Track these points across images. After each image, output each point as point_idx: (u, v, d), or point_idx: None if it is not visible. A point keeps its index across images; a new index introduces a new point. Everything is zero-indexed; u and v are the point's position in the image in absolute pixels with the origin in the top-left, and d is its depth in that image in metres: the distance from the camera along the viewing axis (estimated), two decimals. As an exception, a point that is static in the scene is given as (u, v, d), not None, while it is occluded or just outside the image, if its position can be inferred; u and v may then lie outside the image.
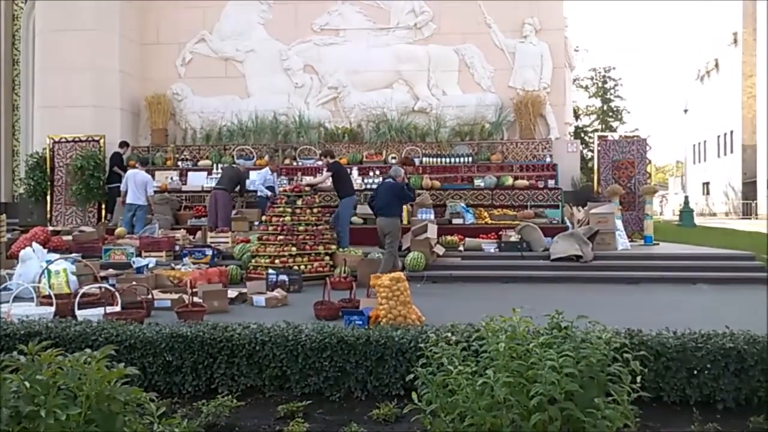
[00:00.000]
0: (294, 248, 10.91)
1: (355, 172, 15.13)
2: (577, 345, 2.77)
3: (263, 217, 11.99)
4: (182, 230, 13.25)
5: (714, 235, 18.74)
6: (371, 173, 15.33)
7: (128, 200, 13.50)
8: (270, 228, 11.17)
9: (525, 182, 14.49)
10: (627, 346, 2.96)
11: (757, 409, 3.98)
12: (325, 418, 4.04)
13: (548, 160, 15.19)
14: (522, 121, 15.86)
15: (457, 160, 15.40)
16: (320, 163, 14.11)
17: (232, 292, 9.16)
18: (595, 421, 2.58)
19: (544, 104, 16.05)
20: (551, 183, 14.56)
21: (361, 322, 6.80)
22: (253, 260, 11.08)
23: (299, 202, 11.34)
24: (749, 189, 42.96)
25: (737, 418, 3.94)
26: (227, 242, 12.30)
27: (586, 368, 2.72)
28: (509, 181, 14.48)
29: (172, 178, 15.41)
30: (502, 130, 16.12)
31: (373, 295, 7.76)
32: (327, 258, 11.18)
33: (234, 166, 14.44)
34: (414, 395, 2.98)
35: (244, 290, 9.37)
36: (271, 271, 10.27)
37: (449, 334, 2.98)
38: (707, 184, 50.29)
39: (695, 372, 4.11)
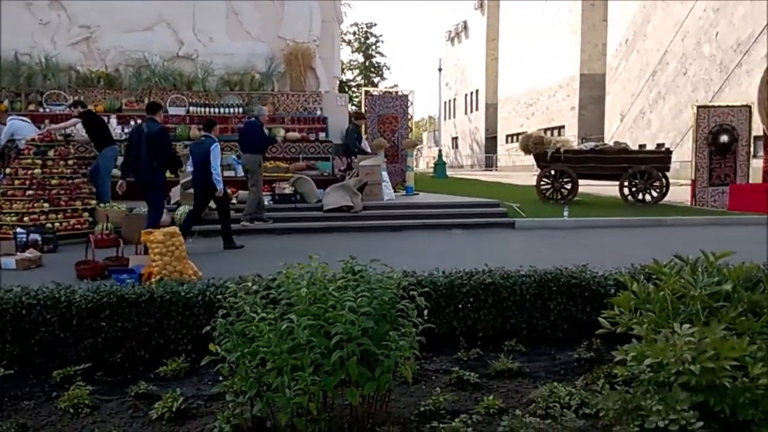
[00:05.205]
0: (46, 204, 9.95)
1: (113, 121, 14.02)
2: (371, 286, 2.95)
3: (7, 170, 10.60)
4: None
5: (464, 185, 20.75)
6: (132, 122, 14.31)
7: None
8: (16, 182, 9.96)
9: (296, 134, 14.64)
10: (415, 285, 3.22)
11: (510, 334, 4.58)
12: (107, 379, 3.82)
13: (319, 113, 15.47)
14: (292, 73, 15.89)
15: (227, 110, 15.01)
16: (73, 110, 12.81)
17: (-28, 255, 8.07)
18: (389, 352, 2.81)
19: (314, 57, 16.21)
20: (322, 136, 14.89)
21: (132, 281, 6.46)
22: (-4, 218, 9.82)
23: (51, 153, 10.25)
24: (491, 144, 48.00)
25: (494, 343, 4.51)
26: (-39, 199, 10.71)
27: (378, 307, 2.92)
28: (281, 133, 14.50)
29: None
30: (273, 81, 16.00)
31: (143, 251, 7.40)
32: (86, 214, 10.38)
33: None
34: (212, 346, 2.94)
35: (-12, 252, 8.31)
36: (19, 230, 9.26)
37: (249, 284, 2.98)
38: (456, 138, 55.09)
39: (460, 306, 4.59)
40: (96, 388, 3.62)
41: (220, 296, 3.17)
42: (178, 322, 4.11)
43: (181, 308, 4.11)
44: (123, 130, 14.09)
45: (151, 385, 3.60)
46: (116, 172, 12.40)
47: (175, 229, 7.31)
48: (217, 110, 14.90)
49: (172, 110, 14.83)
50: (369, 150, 14.15)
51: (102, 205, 10.69)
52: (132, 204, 11.00)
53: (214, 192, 9.25)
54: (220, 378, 3.14)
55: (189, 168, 10.84)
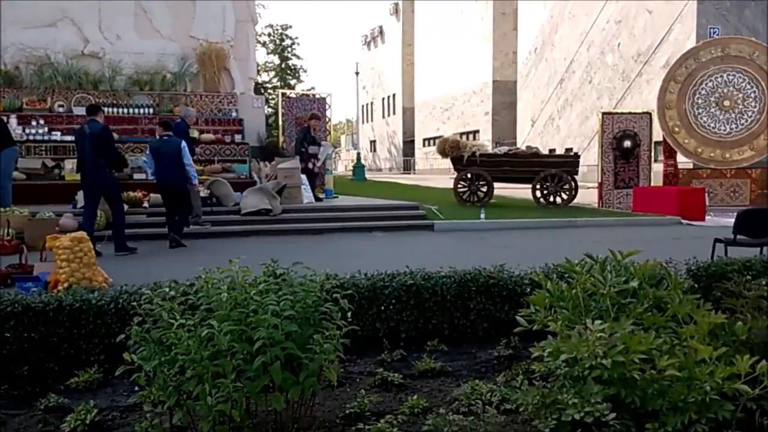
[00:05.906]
0: (-60, 209, 9.25)
1: (13, 121, 13.28)
2: (294, 290, 2.92)
3: None
4: None
5: (383, 188, 20.88)
6: (34, 122, 13.62)
7: None
8: None
9: (211, 136, 14.30)
10: (337, 287, 3.21)
11: (432, 334, 4.64)
12: (13, 393, 3.60)
13: (234, 114, 15.18)
14: (206, 74, 15.52)
15: (137, 111, 14.49)
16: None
17: None
18: (313, 356, 2.79)
19: (228, 57, 15.89)
20: (238, 138, 14.62)
21: (38, 289, 6.12)
22: None
23: (-57, 155, 9.59)
24: (408, 147, 48.59)
25: (417, 344, 4.56)
26: None
27: (302, 310, 2.89)
28: (195, 134, 14.10)
29: None
30: (186, 81, 15.57)
31: (49, 258, 7.03)
32: (-16, 219, 9.71)
33: None
34: (126, 355, 2.83)
35: None
36: None
37: (167, 290, 2.88)
38: (374, 142, 55.39)
39: (383, 308, 4.61)
40: (1, 403, 3.42)
41: (134, 303, 3.05)
42: (89, 331, 3.93)
43: (92, 317, 3.93)
44: (24, 130, 13.37)
45: (62, 398, 3.43)
46: (17, 174, 11.78)
47: (83, 234, 6.98)
48: (126, 110, 14.36)
49: (77, 110, 14.16)
50: (320, 153, 14.04)
51: (2, 209, 10.07)
52: (35, 208, 10.45)
53: (191, 187, 10.02)
54: (136, 388, 3.03)
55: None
